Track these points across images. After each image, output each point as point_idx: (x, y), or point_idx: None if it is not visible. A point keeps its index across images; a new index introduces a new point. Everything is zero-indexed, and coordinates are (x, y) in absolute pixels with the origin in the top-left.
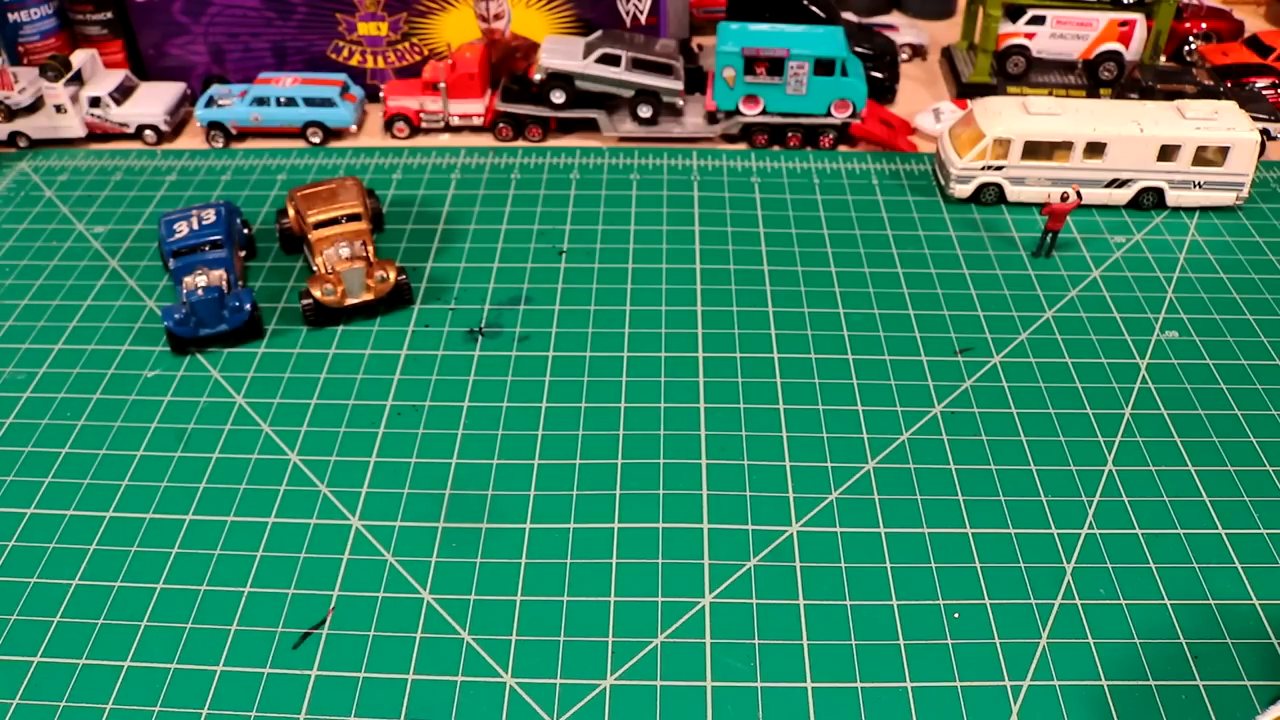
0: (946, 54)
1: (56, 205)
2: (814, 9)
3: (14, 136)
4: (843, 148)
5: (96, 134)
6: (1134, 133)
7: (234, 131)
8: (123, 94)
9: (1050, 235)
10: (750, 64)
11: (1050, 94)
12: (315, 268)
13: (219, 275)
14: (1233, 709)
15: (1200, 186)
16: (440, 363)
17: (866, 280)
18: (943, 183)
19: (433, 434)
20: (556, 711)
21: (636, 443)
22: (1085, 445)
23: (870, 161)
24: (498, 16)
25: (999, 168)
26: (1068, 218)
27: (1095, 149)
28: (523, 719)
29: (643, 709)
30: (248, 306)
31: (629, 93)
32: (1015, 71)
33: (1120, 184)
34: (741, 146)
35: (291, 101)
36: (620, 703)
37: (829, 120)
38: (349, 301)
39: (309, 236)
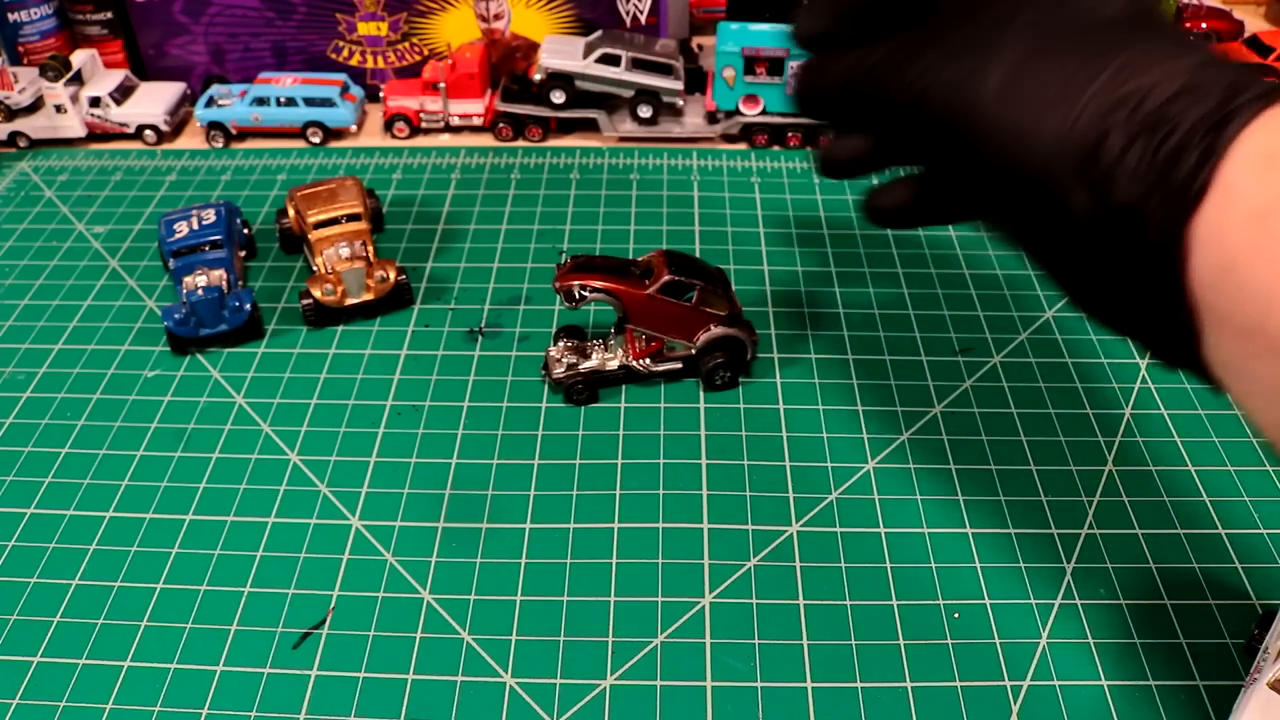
0: None
1: (56, 205)
2: None
3: (14, 136)
4: None
5: (96, 134)
6: None
7: (234, 131)
8: (123, 94)
9: None
10: (750, 64)
11: None
12: (315, 268)
13: (219, 275)
14: (1233, 709)
15: None
16: (440, 363)
17: (867, 280)
18: None
19: (433, 434)
20: (556, 711)
21: (636, 443)
22: (1085, 445)
23: None
24: (498, 16)
25: None
26: None
27: None
28: (523, 719)
29: (643, 709)
30: (248, 306)
31: (629, 93)
32: None
33: None
34: (741, 146)
35: (291, 101)
36: (620, 702)
37: None
38: (349, 301)
39: (309, 236)
